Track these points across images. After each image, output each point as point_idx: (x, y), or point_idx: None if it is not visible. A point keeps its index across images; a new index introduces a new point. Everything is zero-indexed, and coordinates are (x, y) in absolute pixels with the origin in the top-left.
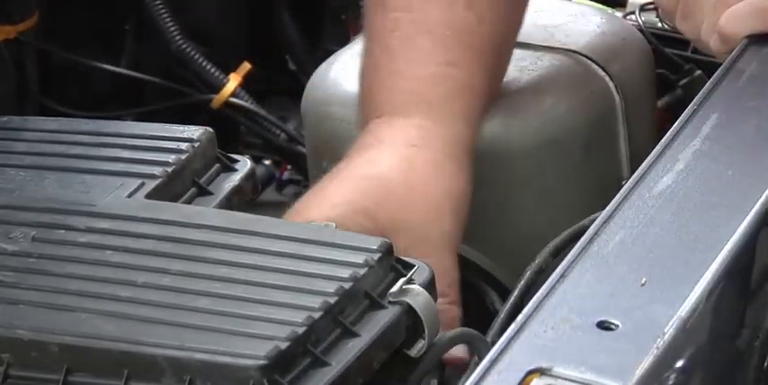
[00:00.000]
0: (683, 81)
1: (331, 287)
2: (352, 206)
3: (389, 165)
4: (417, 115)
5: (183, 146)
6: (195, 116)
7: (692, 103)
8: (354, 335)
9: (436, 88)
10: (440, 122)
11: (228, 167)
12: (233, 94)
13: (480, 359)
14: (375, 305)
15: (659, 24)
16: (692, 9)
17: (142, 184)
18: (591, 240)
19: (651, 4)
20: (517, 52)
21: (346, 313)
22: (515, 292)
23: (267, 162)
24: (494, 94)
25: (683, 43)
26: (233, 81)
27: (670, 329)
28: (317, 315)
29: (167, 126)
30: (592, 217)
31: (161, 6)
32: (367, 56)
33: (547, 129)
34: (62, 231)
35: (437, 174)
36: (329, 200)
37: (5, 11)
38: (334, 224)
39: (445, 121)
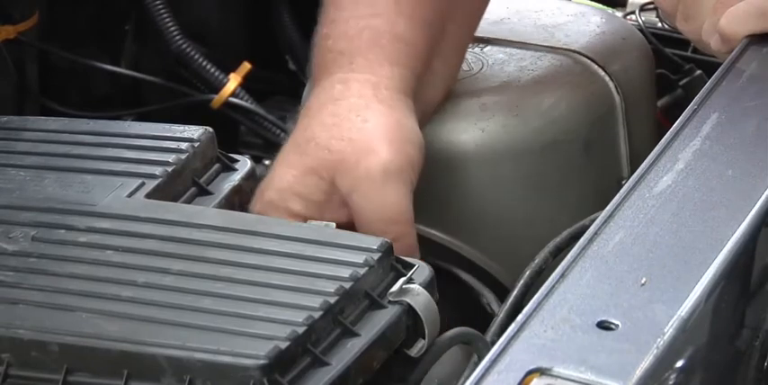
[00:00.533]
0: (683, 81)
1: (331, 287)
2: (301, 169)
3: (320, 127)
4: (341, 70)
5: (183, 146)
6: (195, 116)
7: (692, 103)
8: (354, 334)
9: (354, 42)
10: (361, 71)
11: (228, 167)
12: (233, 94)
13: (480, 359)
14: (375, 305)
15: (659, 24)
16: (693, 10)
17: (142, 184)
18: (591, 240)
19: (651, 3)
20: (517, 52)
21: (346, 313)
22: (515, 292)
23: (267, 162)
24: (429, 36)
25: (683, 43)
26: (233, 81)
27: (670, 329)
28: (317, 315)
29: (167, 126)
30: (592, 217)
31: (161, 6)
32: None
33: (547, 129)
34: (62, 231)
35: (365, 116)
36: (278, 171)
37: (5, 11)
38: (334, 224)
39: (366, 69)
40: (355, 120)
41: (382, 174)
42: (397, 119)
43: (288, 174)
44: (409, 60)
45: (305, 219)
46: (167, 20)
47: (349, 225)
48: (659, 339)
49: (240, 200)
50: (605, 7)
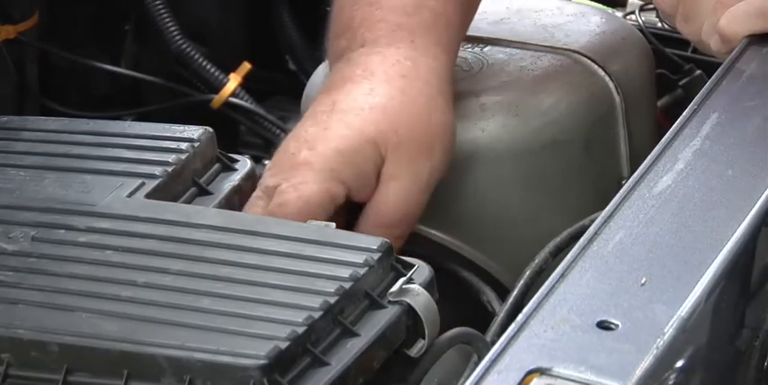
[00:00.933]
0: (683, 81)
1: (331, 287)
2: (363, 136)
3: (389, 97)
4: (403, 45)
5: (183, 146)
6: (195, 116)
7: (692, 103)
8: (354, 334)
9: (413, 18)
10: (424, 52)
11: (228, 167)
12: (233, 94)
13: (480, 359)
14: (375, 305)
15: (659, 24)
16: (692, 11)
17: (142, 184)
18: (591, 240)
19: (651, 3)
20: (517, 52)
21: (346, 313)
22: (515, 292)
23: (267, 162)
24: (465, 25)
25: (683, 43)
26: (233, 81)
27: (670, 329)
28: (317, 315)
29: (167, 126)
30: (592, 217)
31: (161, 6)
32: None
33: (547, 129)
34: (62, 231)
35: (431, 108)
36: (336, 131)
37: (5, 11)
38: (333, 224)
39: (429, 52)
40: (425, 112)
41: (429, 176)
42: (451, 118)
43: (346, 136)
44: (455, 47)
45: (339, 197)
46: (167, 20)
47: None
48: (659, 339)
49: (240, 200)
50: (605, 7)
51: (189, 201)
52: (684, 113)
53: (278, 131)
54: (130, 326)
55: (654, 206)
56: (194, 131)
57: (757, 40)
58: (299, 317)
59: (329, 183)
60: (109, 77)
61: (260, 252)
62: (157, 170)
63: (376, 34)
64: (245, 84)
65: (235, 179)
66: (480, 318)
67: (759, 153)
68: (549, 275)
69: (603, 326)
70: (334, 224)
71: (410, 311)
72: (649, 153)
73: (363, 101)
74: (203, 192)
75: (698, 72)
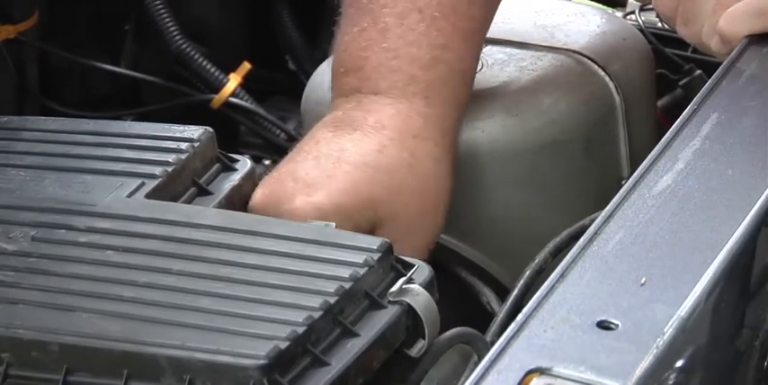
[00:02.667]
0: (683, 81)
1: (331, 287)
2: (360, 196)
3: (397, 158)
4: (416, 100)
5: (183, 146)
6: (195, 116)
7: (692, 103)
8: (354, 334)
9: (431, 72)
10: (437, 109)
11: (228, 167)
12: (233, 94)
13: (480, 359)
14: (375, 305)
15: (659, 24)
16: (692, 13)
17: (142, 184)
18: (591, 240)
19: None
20: (517, 52)
21: (346, 313)
22: (515, 292)
23: (267, 162)
24: (474, 76)
25: (682, 43)
26: (233, 81)
27: (670, 329)
28: (316, 315)
29: (167, 126)
30: (592, 217)
31: (161, 6)
32: (353, 26)
33: (547, 129)
34: (62, 231)
35: (437, 172)
36: (339, 184)
37: (5, 11)
38: (333, 224)
39: (441, 109)
40: (431, 179)
41: (428, 240)
42: (453, 182)
43: (348, 193)
44: (467, 100)
45: None
46: (167, 20)
47: None
48: (659, 339)
49: (240, 200)
50: (605, 7)
51: (189, 201)
52: (684, 113)
53: (278, 131)
54: (131, 326)
55: (654, 206)
56: (194, 131)
57: (757, 40)
58: (299, 317)
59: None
60: (109, 77)
61: (260, 252)
62: (157, 170)
63: (390, 83)
64: (245, 84)
65: (235, 179)
66: (480, 318)
67: (759, 153)
68: (548, 275)
69: (603, 325)
70: (333, 224)
71: (410, 311)
72: (649, 153)
73: (372, 159)
74: (203, 192)
75: (698, 72)
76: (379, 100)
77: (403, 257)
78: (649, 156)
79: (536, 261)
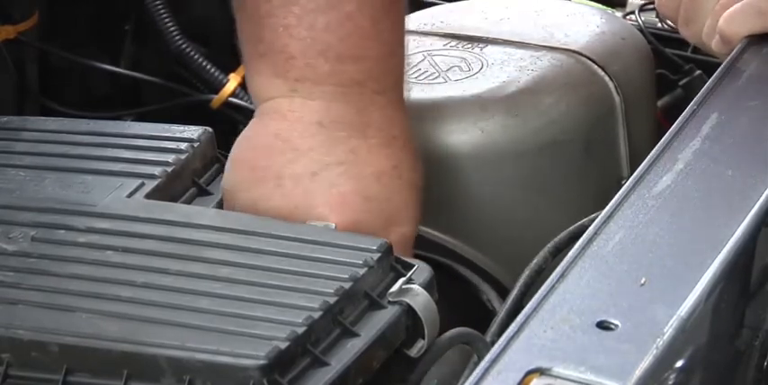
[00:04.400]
0: (683, 81)
1: (331, 287)
2: (356, 223)
3: (386, 176)
4: (394, 94)
5: (183, 146)
6: (195, 116)
7: (691, 103)
8: (354, 335)
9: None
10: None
11: None
12: (233, 94)
13: (480, 359)
14: (375, 305)
15: (659, 24)
16: (693, 14)
17: (142, 184)
18: (591, 240)
19: (651, 3)
20: (517, 52)
21: (346, 313)
22: (515, 292)
23: None
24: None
25: (682, 43)
26: (233, 81)
27: (670, 329)
28: (316, 315)
29: (167, 126)
30: (592, 217)
31: (161, 6)
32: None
33: (547, 129)
34: (62, 231)
35: (415, 180)
36: (336, 202)
37: (5, 11)
38: (333, 224)
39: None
40: (402, 190)
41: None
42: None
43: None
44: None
45: None
46: (167, 20)
47: None
48: (659, 339)
49: None
50: (605, 7)
51: (189, 202)
52: (684, 113)
53: None
54: (130, 326)
55: (653, 206)
56: (194, 131)
57: (757, 40)
58: (299, 317)
59: None
60: (109, 77)
61: (260, 252)
62: (157, 170)
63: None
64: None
65: None
66: (480, 318)
67: (759, 153)
68: (548, 275)
69: (603, 326)
70: (333, 224)
71: (410, 311)
72: (649, 153)
73: (370, 182)
74: (203, 192)
75: (698, 72)
76: (374, 94)
77: (403, 258)
78: (649, 157)
79: (536, 261)
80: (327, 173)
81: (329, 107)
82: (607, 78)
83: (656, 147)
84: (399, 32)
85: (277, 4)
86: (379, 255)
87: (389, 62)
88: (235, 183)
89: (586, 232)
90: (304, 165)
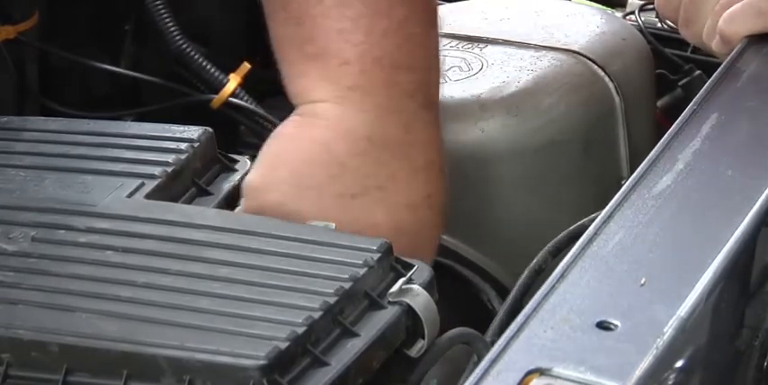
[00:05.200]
0: (683, 81)
1: (331, 287)
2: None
3: (419, 197)
4: (435, 109)
5: (183, 146)
6: (195, 116)
7: (691, 103)
8: (354, 335)
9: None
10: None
11: (228, 167)
12: (233, 94)
13: (479, 359)
14: (375, 305)
15: (659, 24)
16: (693, 14)
17: (142, 184)
18: (590, 240)
19: (651, 3)
20: (517, 52)
21: (346, 313)
22: (514, 292)
23: None
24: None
25: (682, 43)
26: (233, 81)
27: (670, 329)
28: (316, 315)
29: (167, 126)
30: (591, 217)
31: (161, 6)
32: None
33: (546, 130)
34: (62, 231)
35: (443, 207)
36: (374, 224)
37: (5, 11)
38: (333, 224)
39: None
40: (432, 223)
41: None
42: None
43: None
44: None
45: None
46: (167, 20)
47: None
48: (659, 339)
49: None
50: (605, 7)
51: (189, 202)
52: (684, 113)
53: None
54: (130, 326)
55: (653, 206)
56: (194, 131)
57: (757, 40)
58: (299, 317)
59: None
60: (109, 77)
61: (259, 252)
62: (157, 170)
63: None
64: (245, 84)
65: (235, 179)
66: (480, 318)
67: (759, 153)
68: (548, 275)
69: (603, 326)
70: (333, 224)
71: (410, 311)
72: (649, 153)
73: (402, 199)
74: (203, 192)
75: (698, 72)
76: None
77: (403, 258)
78: (649, 157)
79: (535, 261)
80: (366, 198)
81: (379, 122)
82: (607, 78)
83: (656, 148)
84: (438, 42)
85: (330, 4)
86: (379, 255)
87: (434, 74)
88: (269, 183)
89: (586, 232)
90: (345, 186)
